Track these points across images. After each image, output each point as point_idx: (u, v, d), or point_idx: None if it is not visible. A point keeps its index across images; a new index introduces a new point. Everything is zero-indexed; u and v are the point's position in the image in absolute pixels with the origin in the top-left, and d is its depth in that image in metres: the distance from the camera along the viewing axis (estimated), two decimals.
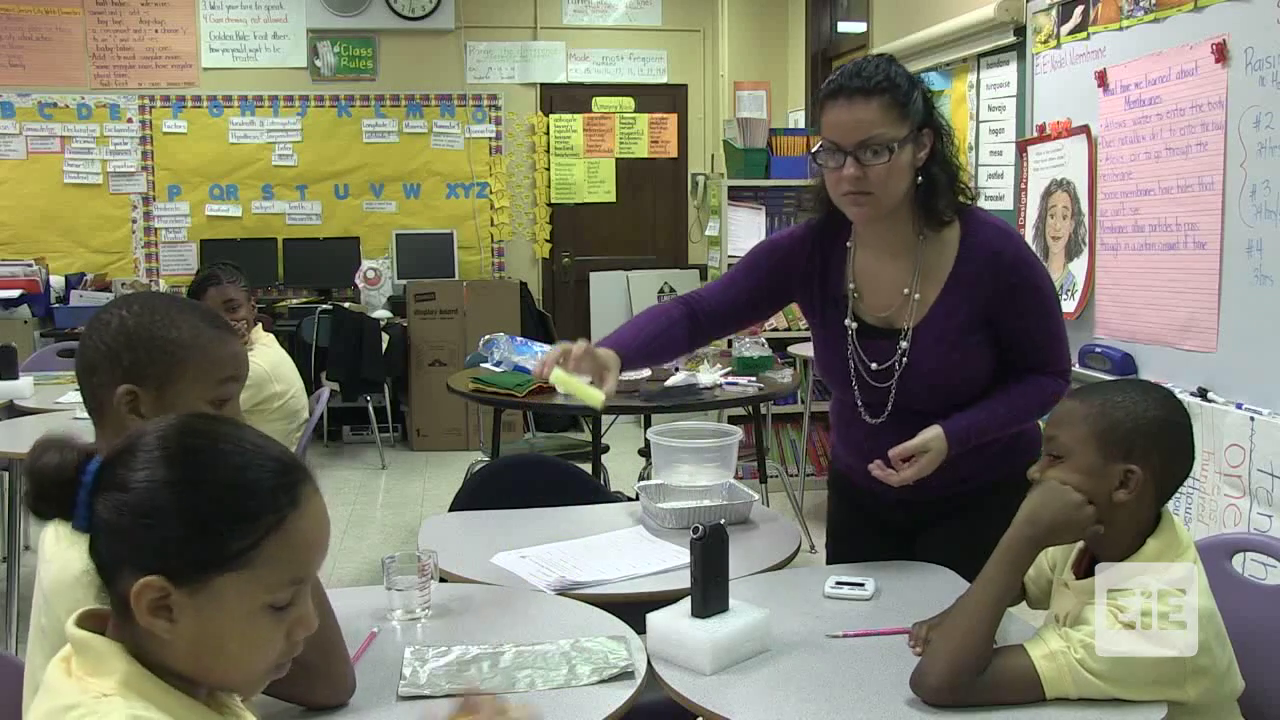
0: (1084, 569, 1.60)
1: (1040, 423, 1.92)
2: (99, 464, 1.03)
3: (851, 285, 2.00)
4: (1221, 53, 2.76)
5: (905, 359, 1.94)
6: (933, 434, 1.90)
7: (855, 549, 2.15)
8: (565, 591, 1.92)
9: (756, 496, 2.43)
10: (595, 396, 1.87)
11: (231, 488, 1.02)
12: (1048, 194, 3.65)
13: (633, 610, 1.74)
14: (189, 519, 1.00)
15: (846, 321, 2.00)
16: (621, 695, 1.51)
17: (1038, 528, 1.53)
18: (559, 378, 1.88)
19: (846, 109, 1.83)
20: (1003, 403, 1.96)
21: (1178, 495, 2.81)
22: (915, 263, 1.94)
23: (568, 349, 1.90)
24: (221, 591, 1.00)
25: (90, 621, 1.05)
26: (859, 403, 2.02)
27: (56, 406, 3.80)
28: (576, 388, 1.87)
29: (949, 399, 1.95)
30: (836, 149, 1.85)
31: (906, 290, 1.94)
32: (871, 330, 1.99)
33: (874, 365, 1.96)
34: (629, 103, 7.30)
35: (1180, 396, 2.82)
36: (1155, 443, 1.54)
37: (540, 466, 2.87)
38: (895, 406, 1.97)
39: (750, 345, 3.92)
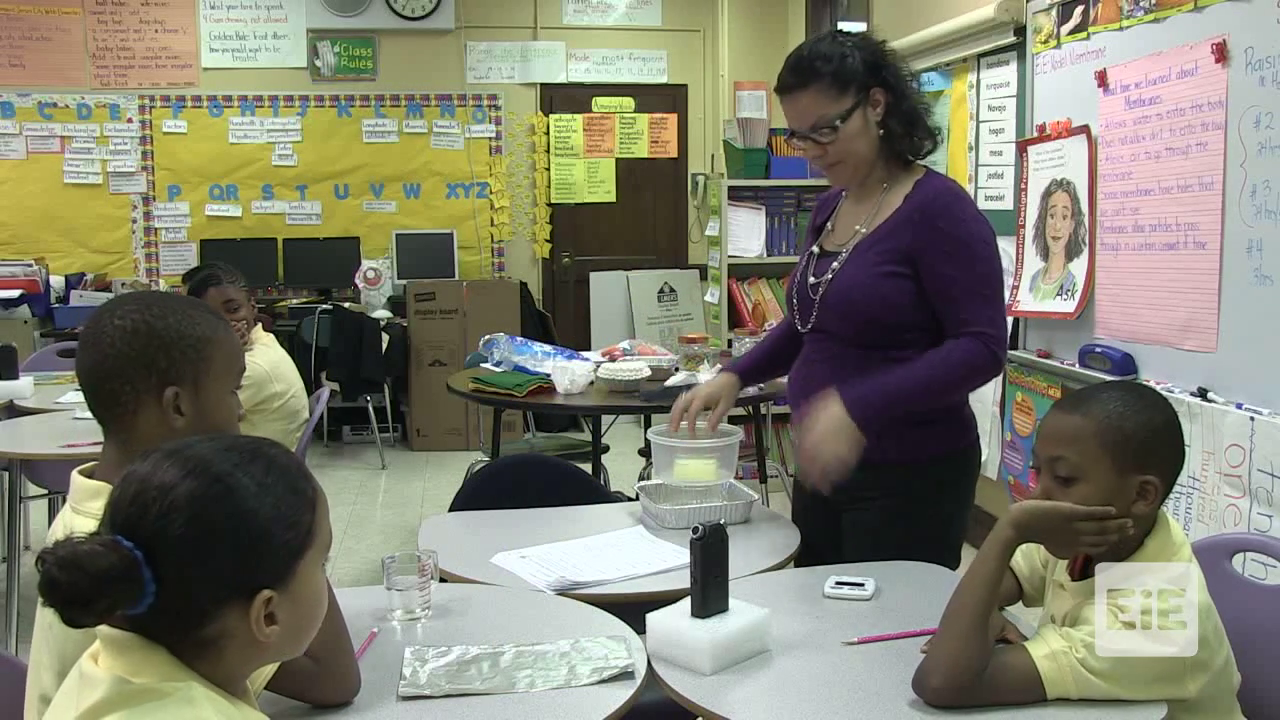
0: (1079, 570, 1.60)
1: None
2: (131, 541, 1.01)
3: (829, 223, 2.25)
4: (1221, 53, 2.76)
5: (832, 275, 2.12)
6: (826, 400, 2.01)
7: (807, 527, 2.29)
8: (565, 591, 1.92)
9: (756, 496, 2.44)
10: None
11: (284, 478, 1.10)
12: (1048, 194, 3.65)
13: (633, 610, 1.74)
14: (276, 522, 1.07)
15: (813, 248, 2.24)
16: (621, 695, 1.51)
17: (1020, 528, 1.54)
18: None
19: (790, 103, 2.10)
20: (908, 367, 2.03)
21: (1177, 495, 2.83)
22: (874, 206, 2.13)
23: (685, 406, 2.30)
24: (305, 569, 1.11)
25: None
26: (795, 314, 2.23)
27: (56, 406, 3.80)
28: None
29: (861, 323, 2.09)
30: (796, 134, 2.12)
31: (858, 226, 2.14)
32: (829, 254, 2.19)
33: (812, 279, 2.17)
34: (629, 103, 7.30)
35: (1180, 396, 2.85)
36: (1166, 449, 1.56)
37: (540, 466, 2.87)
38: (817, 320, 2.16)
39: (750, 345, 3.92)
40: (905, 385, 2.02)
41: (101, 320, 1.44)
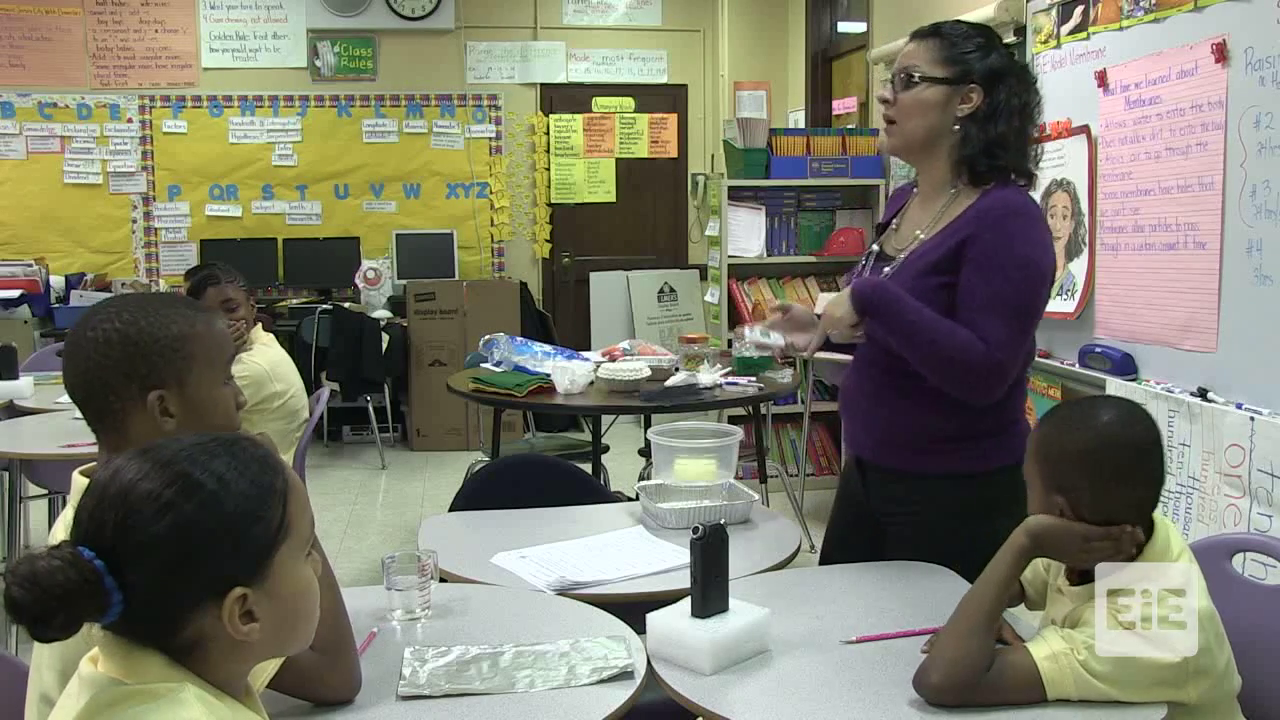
0: (1077, 575, 1.61)
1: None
2: (94, 552, 1.00)
3: (894, 223, 2.20)
4: (1221, 53, 2.76)
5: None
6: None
7: (840, 547, 2.25)
8: (565, 591, 1.92)
9: (756, 496, 2.43)
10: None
11: (247, 471, 1.07)
12: (1048, 194, 3.65)
13: (633, 610, 1.74)
14: (241, 517, 1.05)
15: (873, 245, 2.21)
16: (621, 695, 1.51)
17: (1034, 539, 1.55)
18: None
19: (907, 47, 2.10)
20: (926, 310, 1.94)
21: (1178, 495, 2.83)
22: (937, 211, 2.07)
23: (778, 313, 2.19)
24: (282, 564, 1.09)
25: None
26: None
27: (56, 406, 3.79)
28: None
29: None
30: (888, 79, 2.11)
31: (919, 232, 2.08)
32: (885, 258, 2.15)
33: (852, 272, 2.18)
34: (629, 103, 7.30)
35: (1180, 396, 2.85)
36: (1080, 474, 1.54)
37: (540, 466, 2.87)
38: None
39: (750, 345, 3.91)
40: (912, 314, 1.93)
41: (78, 333, 1.43)
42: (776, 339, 2.17)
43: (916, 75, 2.03)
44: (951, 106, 2.03)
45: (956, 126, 2.03)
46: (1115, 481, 1.54)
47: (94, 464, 1.46)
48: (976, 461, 2.03)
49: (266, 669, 1.37)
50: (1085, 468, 1.54)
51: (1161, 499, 1.59)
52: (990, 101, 2.01)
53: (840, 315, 1.99)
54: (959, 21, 2.11)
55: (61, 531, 1.34)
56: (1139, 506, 1.56)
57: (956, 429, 2.03)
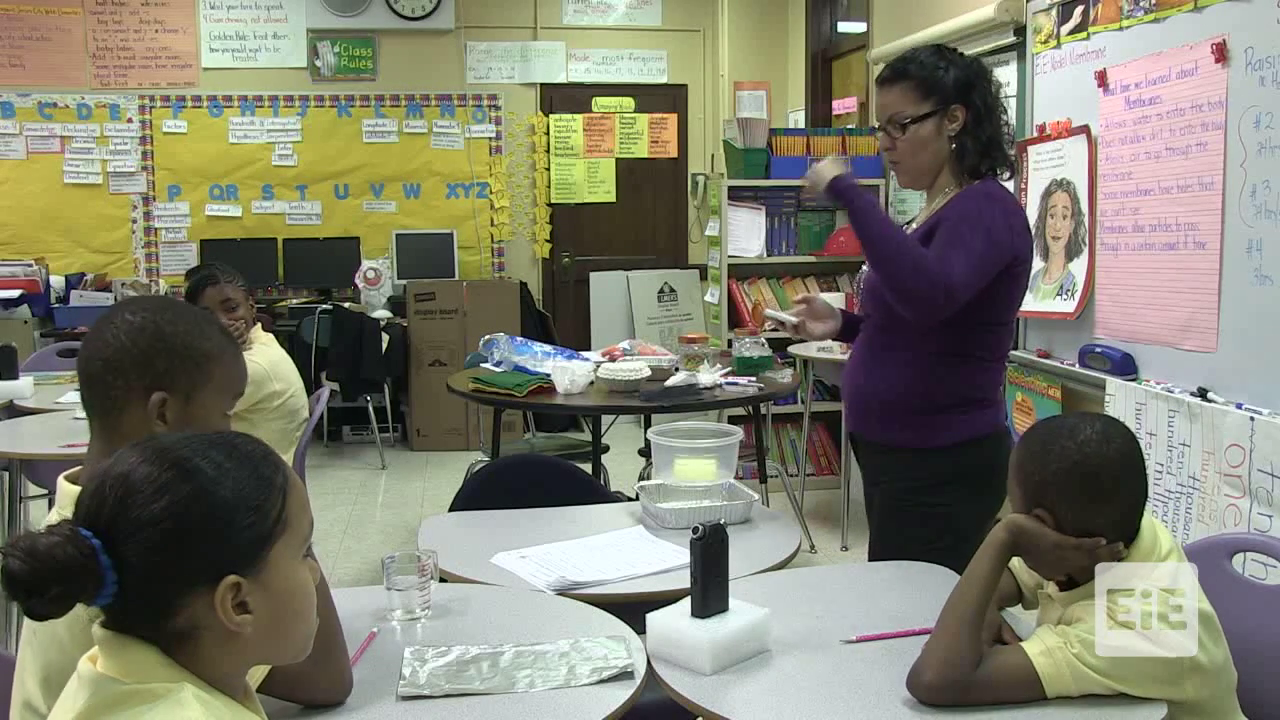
0: (1065, 582, 1.61)
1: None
2: (91, 530, 1.01)
3: (907, 222, 2.41)
4: (1221, 53, 2.76)
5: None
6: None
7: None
8: (565, 591, 1.92)
9: (756, 496, 2.44)
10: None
11: (247, 463, 1.09)
12: (1048, 194, 3.66)
13: (633, 610, 1.74)
14: (239, 504, 1.06)
15: None
16: (621, 695, 1.51)
17: (1012, 535, 1.56)
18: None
19: (880, 95, 2.26)
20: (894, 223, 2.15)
21: (1178, 495, 2.83)
22: (931, 207, 2.25)
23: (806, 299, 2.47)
24: (277, 559, 1.09)
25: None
26: (858, 296, 2.44)
27: (56, 406, 3.80)
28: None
29: (882, 305, 2.21)
30: (877, 126, 2.30)
31: (913, 224, 2.29)
32: None
33: (864, 269, 2.38)
34: (629, 103, 7.30)
35: (1180, 396, 2.85)
36: (1059, 494, 1.55)
37: (540, 466, 2.87)
38: (861, 304, 2.40)
39: (750, 345, 3.91)
40: (880, 218, 2.14)
41: (115, 313, 1.45)
42: (789, 318, 2.43)
43: (907, 120, 2.20)
44: (944, 131, 2.20)
45: (953, 145, 2.20)
46: (1094, 501, 1.55)
47: (78, 469, 1.45)
48: (939, 436, 2.19)
49: (257, 673, 1.36)
50: (1063, 489, 1.55)
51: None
52: (972, 111, 2.19)
53: (815, 181, 2.17)
54: (914, 50, 2.26)
55: None
56: (1118, 523, 1.56)
57: (929, 403, 2.18)
